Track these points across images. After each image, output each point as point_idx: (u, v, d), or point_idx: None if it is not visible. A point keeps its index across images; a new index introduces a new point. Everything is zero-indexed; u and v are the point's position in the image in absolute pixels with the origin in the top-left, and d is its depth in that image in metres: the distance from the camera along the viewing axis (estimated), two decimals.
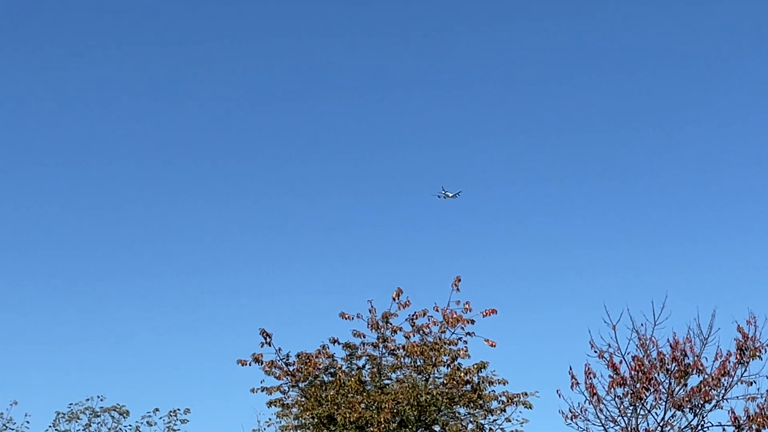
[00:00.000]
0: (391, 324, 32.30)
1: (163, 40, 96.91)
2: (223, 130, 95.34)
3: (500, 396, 32.15)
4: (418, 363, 32.03)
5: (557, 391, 29.13)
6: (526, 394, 32.21)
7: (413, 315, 32.37)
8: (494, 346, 31.63)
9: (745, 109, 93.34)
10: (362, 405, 31.45)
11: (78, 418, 47.12)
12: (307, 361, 32.26)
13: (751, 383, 28.55)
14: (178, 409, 47.05)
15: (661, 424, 28.64)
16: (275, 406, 33.08)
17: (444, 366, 31.95)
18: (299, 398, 32.64)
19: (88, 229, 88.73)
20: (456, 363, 31.84)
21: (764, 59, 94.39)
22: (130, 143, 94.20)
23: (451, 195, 57.09)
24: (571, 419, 29.11)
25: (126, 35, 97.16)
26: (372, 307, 32.42)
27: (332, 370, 32.55)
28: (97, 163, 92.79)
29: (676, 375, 28.57)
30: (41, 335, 78.40)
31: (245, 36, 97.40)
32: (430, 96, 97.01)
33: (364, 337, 32.47)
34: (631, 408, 28.77)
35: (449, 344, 31.98)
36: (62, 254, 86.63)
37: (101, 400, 47.49)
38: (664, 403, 28.66)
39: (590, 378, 28.96)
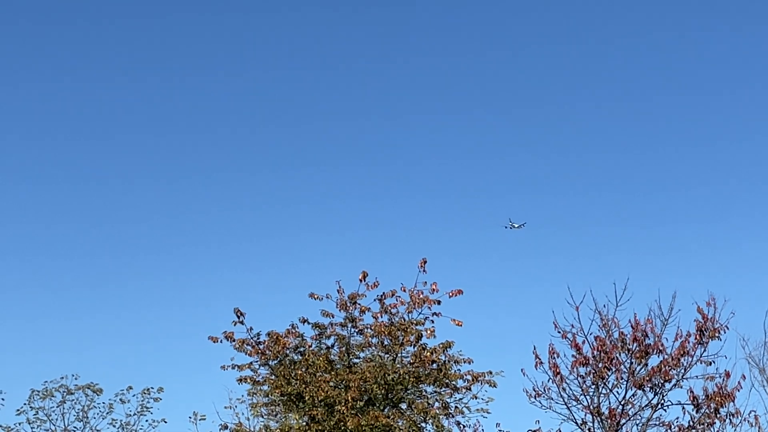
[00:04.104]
0: (359, 304, 32.74)
1: (163, 41, 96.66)
2: (194, 103, 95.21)
3: (466, 375, 32.74)
4: (386, 342, 32.52)
5: (521, 370, 29.49)
6: (491, 372, 32.85)
7: (382, 295, 32.83)
8: (461, 325, 32.12)
9: (708, 92, 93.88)
10: (330, 383, 31.93)
11: (52, 396, 47.58)
12: (277, 340, 32.68)
13: (710, 363, 28.97)
14: (151, 388, 47.57)
15: (622, 403, 29.06)
16: (246, 383, 33.55)
17: (411, 345, 32.47)
18: (269, 376, 33.10)
19: (58, 208, 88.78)
20: (422, 342, 32.36)
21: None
22: (102, 120, 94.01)
23: (516, 226, 59.45)
24: (535, 398, 29.51)
25: (126, 37, 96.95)
26: (340, 287, 32.87)
27: (301, 349, 33.00)
28: (73, 140, 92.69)
29: (637, 355, 28.95)
30: (16, 314, 78.61)
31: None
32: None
33: (332, 317, 32.92)
34: (593, 387, 29.17)
35: (416, 324, 32.48)
36: (36, 234, 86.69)
37: (75, 378, 47.98)
38: (625, 383, 29.05)
39: (554, 358, 29.33)
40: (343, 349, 33.01)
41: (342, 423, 31.32)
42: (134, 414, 47.38)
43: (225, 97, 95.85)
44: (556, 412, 29.43)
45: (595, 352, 29.08)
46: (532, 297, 75.75)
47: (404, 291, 32.60)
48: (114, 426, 47.44)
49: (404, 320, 32.50)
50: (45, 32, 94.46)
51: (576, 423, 29.33)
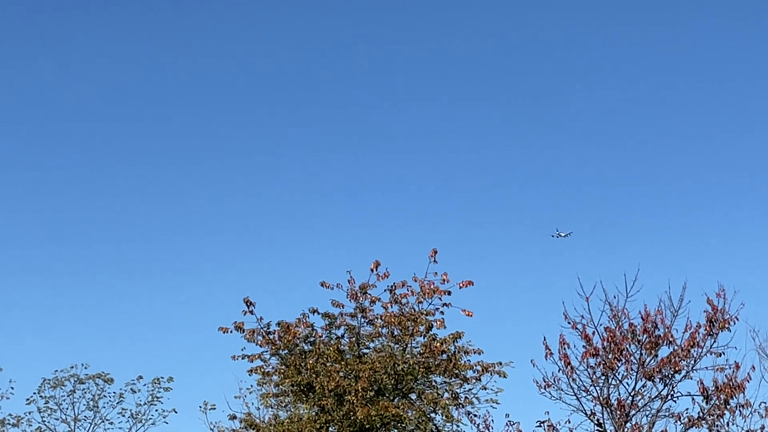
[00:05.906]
0: (369, 295, 32.77)
1: (163, 40, 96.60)
2: (201, 91, 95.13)
3: (476, 365, 32.77)
4: (396, 333, 32.56)
5: (531, 361, 29.43)
6: (500, 363, 32.90)
7: (392, 285, 32.87)
8: (471, 315, 32.14)
9: (717, 83, 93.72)
10: (340, 374, 31.99)
11: (63, 385, 47.77)
12: (288, 330, 32.74)
13: (720, 354, 28.90)
14: (162, 377, 47.74)
15: (632, 394, 29.04)
16: (256, 373, 33.62)
17: (421, 336, 32.52)
18: (279, 366, 33.16)
19: (70, 197, 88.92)
20: (432, 333, 32.40)
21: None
22: (110, 109, 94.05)
23: (563, 235, 60.85)
24: (545, 388, 29.47)
25: (127, 38, 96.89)
26: (351, 277, 32.91)
27: (312, 339, 33.05)
28: (82, 129, 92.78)
29: (647, 346, 28.91)
30: (27, 303, 78.83)
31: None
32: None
33: (343, 307, 32.94)
34: (603, 378, 29.14)
35: (426, 314, 32.52)
36: (47, 224, 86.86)
37: (86, 367, 48.17)
38: (635, 374, 29.01)
39: (564, 348, 29.27)
40: (353, 339, 33.05)
41: (352, 413, 31.38)
42: (144, 403, 47.61)
43: (232, 86, 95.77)
44: (565, 403, 29.42)
45: (605, 343, 29.04)
46: (542, 288, 75.81)
47: (415, 281, 32.67)
48: (124, 415, 47.69)
49: (414, 311, 32.53)
50: (31, 17, 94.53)
51: (585, 414, 29.29)
